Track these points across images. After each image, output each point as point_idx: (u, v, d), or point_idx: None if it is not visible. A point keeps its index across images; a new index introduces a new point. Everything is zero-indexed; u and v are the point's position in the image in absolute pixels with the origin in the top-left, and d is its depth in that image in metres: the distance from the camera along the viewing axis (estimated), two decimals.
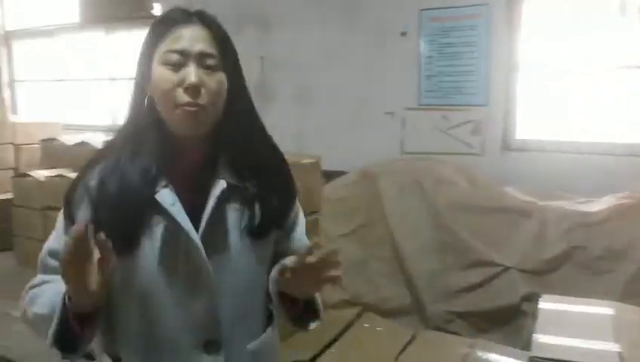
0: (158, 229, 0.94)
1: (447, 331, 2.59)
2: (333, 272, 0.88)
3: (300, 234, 1.12)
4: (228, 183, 0.97)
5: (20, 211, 4.15)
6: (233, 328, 0.99)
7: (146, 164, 0.94)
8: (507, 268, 2.61)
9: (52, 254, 0.99)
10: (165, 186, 0.95)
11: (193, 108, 0.92)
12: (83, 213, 0.96)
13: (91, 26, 5.21)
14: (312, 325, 1.03)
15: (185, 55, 0.93)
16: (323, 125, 3.89)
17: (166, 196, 0.94)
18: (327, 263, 0.87)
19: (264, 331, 1.07)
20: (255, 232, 0.99)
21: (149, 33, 0.99)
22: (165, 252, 0.94)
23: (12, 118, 5.12)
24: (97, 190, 0.95)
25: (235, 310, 1.00)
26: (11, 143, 5.01)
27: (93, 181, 0.97)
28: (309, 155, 2.09)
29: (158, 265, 0.94)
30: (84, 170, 1.00)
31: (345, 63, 3.77)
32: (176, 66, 0.93)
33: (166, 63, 0.93)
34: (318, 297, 1.03)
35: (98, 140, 4.55)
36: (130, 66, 5.08)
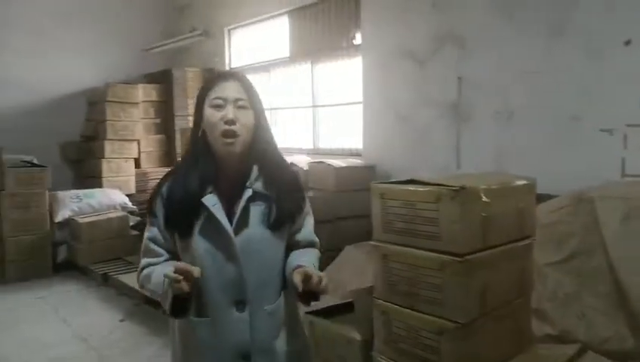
0: (205, 222, 1.38)
1: None
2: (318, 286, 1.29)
3: (308, 232, 1.54)
4: (254, 190, 1.41)
5: None
6: (255, 293, 1.41)
7: (197, 177, 1.40)
8: None
9: (151, 240, 1.44)
10: (210, 192, 1.39)
11: (230, 139, 1.37)
12: (159, 210, 1.42)
13: (299, 59, 5.79)
14: (312, 303, 1.39)
15: (225, 100, 1.39)
16: (526, 145, 3.67)
17: (210, 199, 1.38)
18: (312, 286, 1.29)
19: (279, 298, 1.47)
20: (272, 226, 1.41)
21: (202, 87, 1.45)
22: (209, 237, 1.38)
23: None
24: (166, 195, 1.42)
25: (257, 279, 1.41)
26: None
27: (164, 189, 1.44)
28: (523, 177, 1.99)
29: (204, 245, 1.38)
30: (160, 182, 1.47)
31: (550, 80, 3.52)
32: (220, 108, 1.38)
33: (213, 106, 1.39)
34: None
35: (302, 161, 5.03)
36: (331, 94, 5.49)
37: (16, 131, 6.25)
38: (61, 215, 5.47)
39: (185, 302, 1.33)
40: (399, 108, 4.60)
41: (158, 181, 1.48)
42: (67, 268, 5.44)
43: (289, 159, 4.96)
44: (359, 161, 4.84)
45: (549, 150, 3.53)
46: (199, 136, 1.43)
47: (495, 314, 1.86)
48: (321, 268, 4.24)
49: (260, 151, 1.44)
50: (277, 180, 1.44)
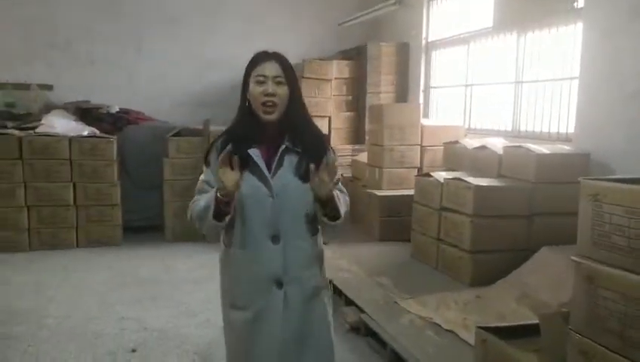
0: (251, 169, 1.73)
1: None
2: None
3: None
4: (286, 146, 1.78)
5: (419, 208, 4.42)
6: (288, 229, 1.76)
7: (244, 136, 1.77)
8: None
9: (205, 181, 1.82)
10: (253, 147, 1.76)
11: (270, 108, 1.75)
12: (214, 160, 1.78)
13: (504, 29, 5.11)
14: (337, 221, 1.77)
15: (266, 77, 1.75)
16: None
17: (254, 152, 1.75)
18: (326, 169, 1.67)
19: (308, 238, 1.82)
20: (300, 175, 1.76)
21: (249, 66, 1.80)
22: (252, 180, 1.73)
23: (423, 122, 5.57)
24: (220, 148, 1.75)
25: (290, 217, 1.76)
26: (419, 145, 5.47)
27: (218, 143, 1.80)
28: None
29: (247, 186, 1.71)
30: (216, 139, 1.83)
31: None
32: (262, 83, 1.75)
33: (256, 82, 1.76)
34: (340, 208, 1.77)
35: (497, 145, 4.43)
36: (539, 68, 4.73)
37: (223, 106, 6.92)
38: None
39: (226, 206, 1.67)
40: (627, 83, 3.68)
41: (214, 139, 1.86)
42: None
43: (482, 141, 4.47)
44: (568, 148, 4.06)
45: None
46: (246, 104, 1.79)
47: None
48: (509, 269, 3.79)
49: (292, 117, 1.78)
50: (305, 139, 1.78)
